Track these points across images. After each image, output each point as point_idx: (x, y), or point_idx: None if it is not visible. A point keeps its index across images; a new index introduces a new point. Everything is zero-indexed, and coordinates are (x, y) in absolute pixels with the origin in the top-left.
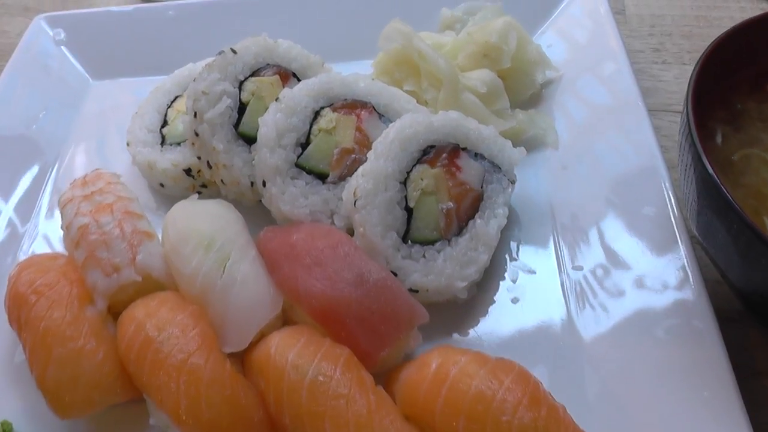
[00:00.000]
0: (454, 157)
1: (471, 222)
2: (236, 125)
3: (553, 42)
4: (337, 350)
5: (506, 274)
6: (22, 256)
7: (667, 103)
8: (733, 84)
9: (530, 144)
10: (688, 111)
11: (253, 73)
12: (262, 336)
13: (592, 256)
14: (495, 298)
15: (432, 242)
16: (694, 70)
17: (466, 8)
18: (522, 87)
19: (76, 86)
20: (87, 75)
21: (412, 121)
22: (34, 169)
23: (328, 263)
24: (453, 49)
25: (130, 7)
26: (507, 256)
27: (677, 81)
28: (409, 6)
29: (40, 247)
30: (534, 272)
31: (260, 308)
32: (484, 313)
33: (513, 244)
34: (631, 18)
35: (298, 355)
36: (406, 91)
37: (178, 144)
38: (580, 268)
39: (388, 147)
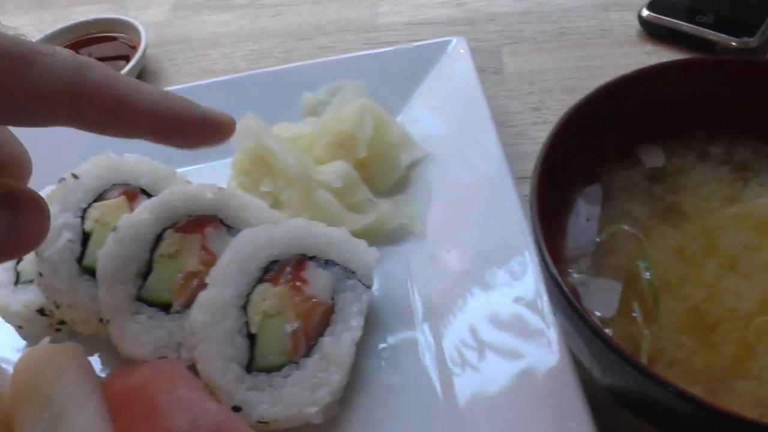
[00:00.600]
0: (300, 270)
1: (321, 339)
2: (81, 259)
3: (420, 117)
4: None
5: (372, 386)
6: None
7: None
8: (598, 151)
9: (396, 235)
10: (532, 204)
11: (98, 197)
12: None
13: (466, 354)
14: (359, 415)
15: (278, 368)
16: (543, 146)
17: (328, 89)
18: (386, 172)
19: None
20: None
21: (249, 239)
22: None
23: (162, 411)
24: (310, 140)
25: None
26: (372, 365)
27: None
28: (270, 93)
29: None
30: (403, 379)
31: None
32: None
33: (379, 351)
34: (509, 77)
35: None
36: (263, 193)
37: (31, 282)
38: (455, 366)
39: (224, 271)
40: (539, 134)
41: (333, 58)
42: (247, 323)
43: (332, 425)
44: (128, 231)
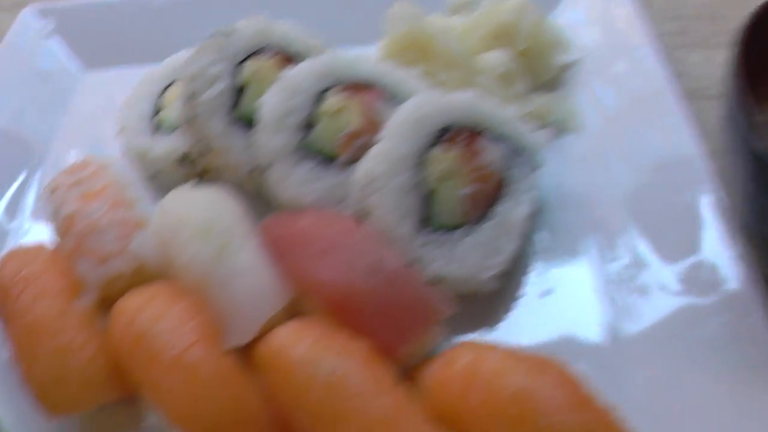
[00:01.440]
0: (473, 140)
1: (495, 208)
2: (233, 109)
3: (571, 21)
4: (354, 344)
5: (535, 265)
6: None
7: (694, 87)
8: None
9: (553, 129)
10: (735, 81)
11: (250, 56)
12: (265, 331)
13: (628, 247)
14: (523, 290)
15: (453, 228)
16: (738, 39)
17: None
18: (539, 70)
19: (67, 78)
20: (77, 66)
21: (426, 101)
22: (22, 161)
23: (340, 250)
24: (464, 32)
25: None
26: (535, 246)
27: (703, 65)
28: None
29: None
30: (565, 264)
31: (265, 299)
32: (512, 306)
33: (541, 233)
34: (654, 1)
35: (310, 349)
36: (420, 73)
37: (172, 131)
38: (616, 260)
39: (401, 127)
40: (684, 57)
41: None
42: (422, 181)
43: (497, 296)
44: (292, 82)
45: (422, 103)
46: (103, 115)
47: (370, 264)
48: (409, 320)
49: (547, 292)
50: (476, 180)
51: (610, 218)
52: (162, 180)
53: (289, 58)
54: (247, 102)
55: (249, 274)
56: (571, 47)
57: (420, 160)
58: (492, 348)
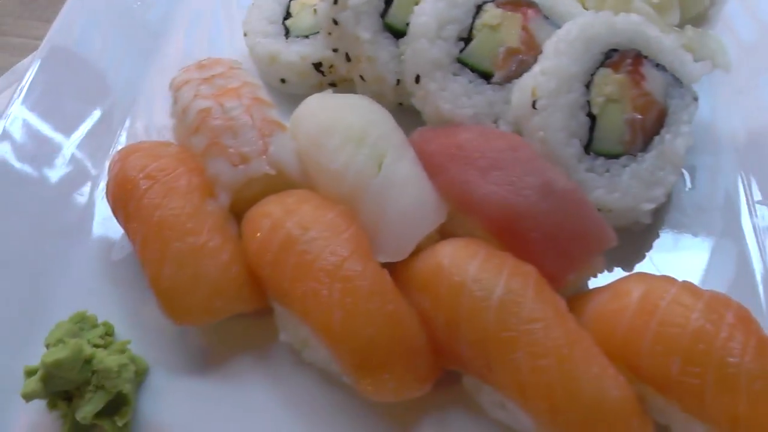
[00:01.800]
0: (638, 65)
1: (657, 138)
2: (383, 16)
3: None
4: (524, 268)
5: (685, 203)
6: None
7: None
8: None
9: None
10: None
11: None
12: (418, 249)
13: None
14: (676, 227)
15: (616, 156)
16: None
17: None
18: (689, 3)
19: None
20: None
21: (595, 21)
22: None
23: (508, 167)
24: None
25: None
26: (684, 183)
27: None
28: None
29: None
30: (715, 202)
31: (423, 214)
32: (667, 242)
33: (690, 170)
34: None
35: (480, 269)
36: None
37: (306, 37)
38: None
39: (571, 46)
40: None
41: None
42: (588, 102)
43: (651, 231)
44: None
45: (590, 23)
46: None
47: (540, 184)
48: (578, 248)
49: (697, 232)
50: (640, 107)
51: (759, 158)
52: (289, 87)
53: None
54: (398, 10)
55: (407, 187)
56: None
57: (587, 80)
58: (667, 280)
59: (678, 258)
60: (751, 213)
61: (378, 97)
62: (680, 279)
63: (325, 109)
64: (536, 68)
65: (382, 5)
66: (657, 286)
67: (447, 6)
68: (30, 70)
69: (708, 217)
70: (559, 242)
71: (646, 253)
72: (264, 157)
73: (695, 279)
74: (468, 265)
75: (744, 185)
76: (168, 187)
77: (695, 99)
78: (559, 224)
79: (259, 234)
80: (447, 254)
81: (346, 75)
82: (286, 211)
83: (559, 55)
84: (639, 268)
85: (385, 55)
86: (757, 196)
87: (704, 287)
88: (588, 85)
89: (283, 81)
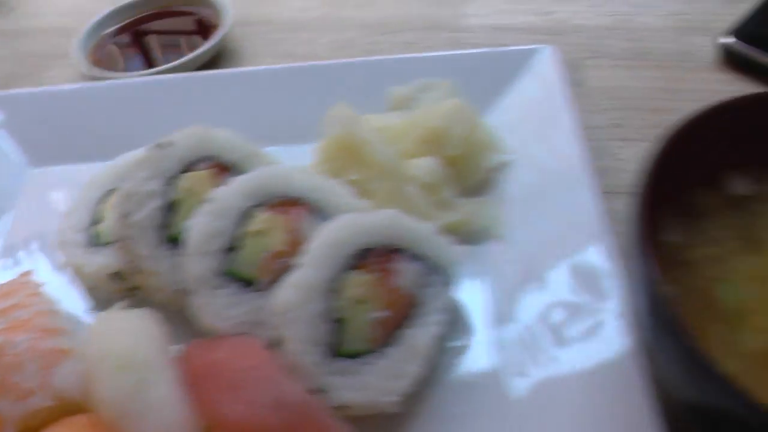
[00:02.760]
0: (390, 260)
1: (405, 331)
2: (167, 227)
3: (504, 122)
4: None
5: (447, 384)
6: None
7: (624, 184)
8: (688, 178)
9: (476, 236)
10: (638, 221)
11: (188, 168)
12: None
13: (541, 364)
14: (434, 410)
15: (361, 354)
16: (650, 164)
17: (418, 86)
18: (469, 173)
19: (14, 173)
20: (25, 161)
21: (345, 223)
22: None
23: (247, 386)
24: (400, 133)
25: (75, 86)
26: (447, 363)
27: (637, 159)
28: (360, 83)
29: None
30: (478, 382)
31: None
32: (422, 426)
33: (454, 349)
34: (591, 91)
35: None
36: (351, 181)
37: (108, 244)
38: (525, 374)
39: (317, 253)
40: (619, 151)
41: (421, 54)
42: (333, 308)
43: (405, 416)
44: (220, 204)
45: (340, 227)
46: (50, 215)
47: (273, 399)
48: None
49: (456, 415)
50: (389, 303)
51: (524, 332)
52: (98, 293)
53: (225, 167)
54: (179, 220)
55: (163, 410)
56: (502, 149)
57: (333, 286)
58: None
59: None
60: (510, 392)
61: (166, 306)
62: None
63: (100, 335)
64: (287, 279)
65: (165, 217)
66: None
67: (212, 218)
68: None
69: (468, 398)
70: None
71: None
72: (44, 389)
73: None
74: None
75: (505, 361)
76: None
77: (450, 284)
78: None
79: None
80: None
81: (139, 284)
82: None
83: (306, 265)
84: None
85: (165, 268)
86: (519, 370)
87: None
88: (334, 291)
89: (92, 288)
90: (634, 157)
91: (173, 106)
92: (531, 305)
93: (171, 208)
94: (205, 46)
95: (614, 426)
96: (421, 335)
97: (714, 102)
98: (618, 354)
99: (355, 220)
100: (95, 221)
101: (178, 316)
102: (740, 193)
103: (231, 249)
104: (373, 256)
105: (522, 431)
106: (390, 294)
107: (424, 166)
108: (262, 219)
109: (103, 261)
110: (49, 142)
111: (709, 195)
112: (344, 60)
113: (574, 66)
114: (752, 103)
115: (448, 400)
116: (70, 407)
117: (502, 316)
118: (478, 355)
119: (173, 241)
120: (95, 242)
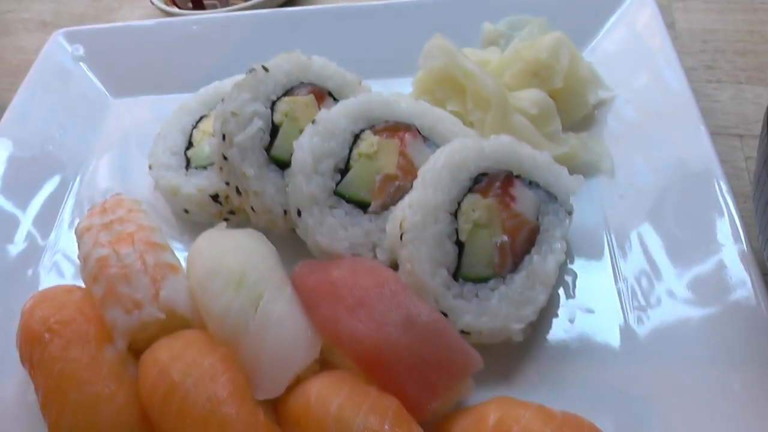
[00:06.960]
0: (508, 186)
1: (527, 257)
2: (268, 149)
3: (602, 59)
4: (384, 401)
5: (563, 314)
6: (42, 272)
7: (723, 125)
8: None
9: (584, 170)
10: None
11: (286, 93)
12: (298, 381)
13: (655, 294)
14: (551, 340)
15: (485, 280)
16: None
17: (510, 22)
18: (573, 108)
19: (96, 104)
20: (107, 92)
21: (462, 147)
22: (54, 186)
23: (373, 304)
24: (499, 66)
25: (152, 22)
26: (563, 294)
27: (733, 102)
28: (449, 20)
29: (58, 267)
30: (593, 312)
31: (297, 352)
32: (541, 356)
33: (569, 280)
34: (681, 33)
35: (341, 407)
36: (450, 112)
37: (204, 167)
38: (644, 308)
39: (437, 175)
40: (714, 93)
41: None
42: (456, 230)
43: (526, 346)
44: (328, 125)
45: (459, 149)
46: (133, 143)
47: (402, 319)
48: (440, 377)
49: (573, 342)
50: (510, 229)
51: (637, 264)
52: (193, 216)
53: (324, 94)
54: (282, 142)
55: (282, 327)
56: (604, 85)
57: (455, 208)
58: (521, 405)
59: (550, 373)
60: (625, 322)
61: (271, 226)
62: (552, 393)
63: (210, 251)
64: (406, 199)
65: (267, 139)
66: (511, 410)
67: (322, 140)
68: None
69: (584, 328)
70: (422, 373)
71: (519, 370)
72: (155, 302)
73: (565, 393)
74: (331, 402)
75: (620, 292)
76: (67, 339)
77: (569, 213)
78: (421, 356)
79: (148, 379)
80: (313, 391)
81: (240, 206)
82: (172, 356)
83: (425, 187)
84: (510, 384)
85: (271, 189)
86: (634, 302)
87: (572, 402)
88: (456, 213)
89: (186, 211)
90: (728, 99)
91: (254, 42)
92: (650, 241)
93: (273, 130)
94: None
95: (745, 363)
96: (545, 263)
97: None
98: (742, 294)
99: (472, 144)
100: (189, 145)
101: (282, 239)
102: None
103: (341, 170)
104: (492, 181)
105: (645, 365)
106: (510, 219)
107: (531, 97)
108: (371, 141)
109: (200, 182)
110: (128, 75)
111: None
112: None
113: (664, 8)
114: None
115: (570, 333)
116: (178, 322)
117: (621, 250)
118: (598, 286)
119: (278, 162)
120: (191, 165)
